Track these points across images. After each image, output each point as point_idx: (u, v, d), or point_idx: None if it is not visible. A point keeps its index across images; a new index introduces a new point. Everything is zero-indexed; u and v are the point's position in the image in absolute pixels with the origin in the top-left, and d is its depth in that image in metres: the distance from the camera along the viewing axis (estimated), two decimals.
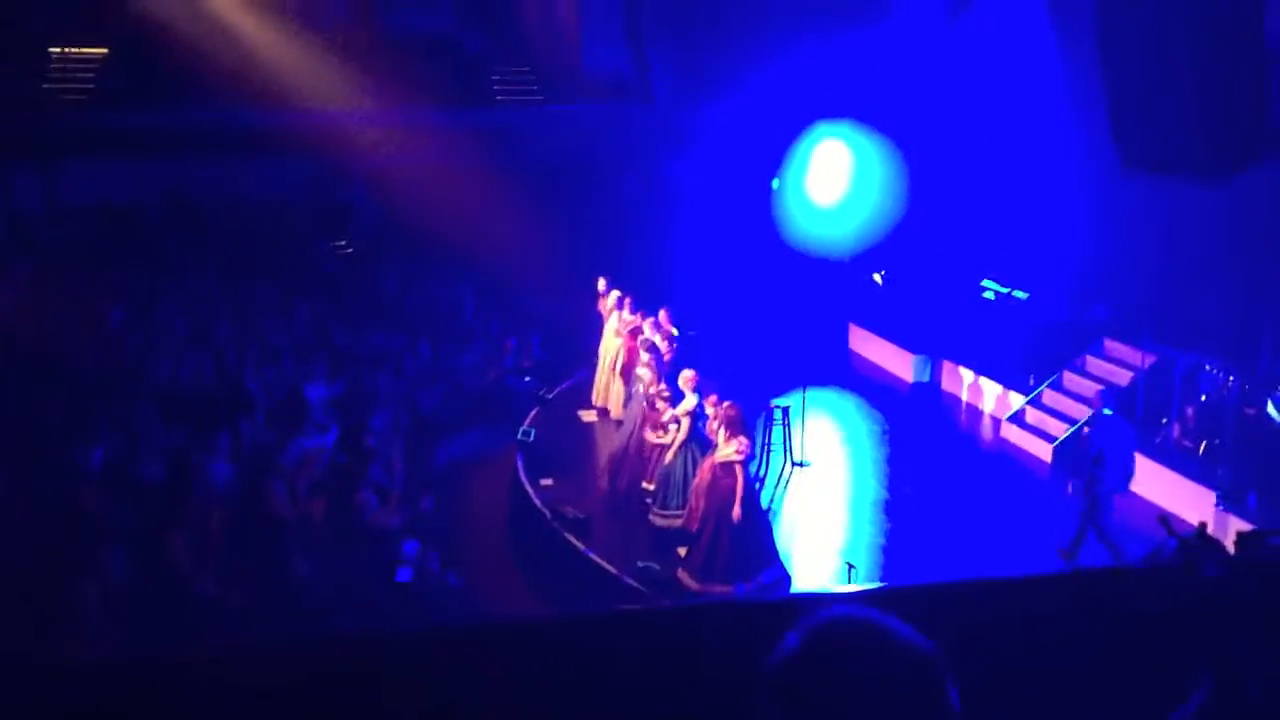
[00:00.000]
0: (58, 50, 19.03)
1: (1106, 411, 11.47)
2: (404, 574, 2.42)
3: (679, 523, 11.41)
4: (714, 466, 10.68)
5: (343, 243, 20.62)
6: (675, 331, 14.50)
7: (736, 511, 10.44)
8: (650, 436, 12.35)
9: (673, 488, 11.65)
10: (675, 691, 2.93)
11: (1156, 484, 13.00)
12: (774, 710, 1.80)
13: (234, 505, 10.98)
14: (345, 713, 2.69)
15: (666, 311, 14.68)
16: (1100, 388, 12.32)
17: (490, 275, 18.93)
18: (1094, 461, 11.24)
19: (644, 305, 14.98)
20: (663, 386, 12.39)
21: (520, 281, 18.25)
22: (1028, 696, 3.09)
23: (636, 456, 12.63)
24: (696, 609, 4.21)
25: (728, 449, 10.58)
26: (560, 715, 2.79)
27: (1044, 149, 15.84)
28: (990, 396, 16.36)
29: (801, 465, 13.89)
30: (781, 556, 11.00)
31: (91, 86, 18.85)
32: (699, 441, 11.54)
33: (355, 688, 2.73)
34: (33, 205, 18.77)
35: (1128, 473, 11.34)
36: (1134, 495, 13.22)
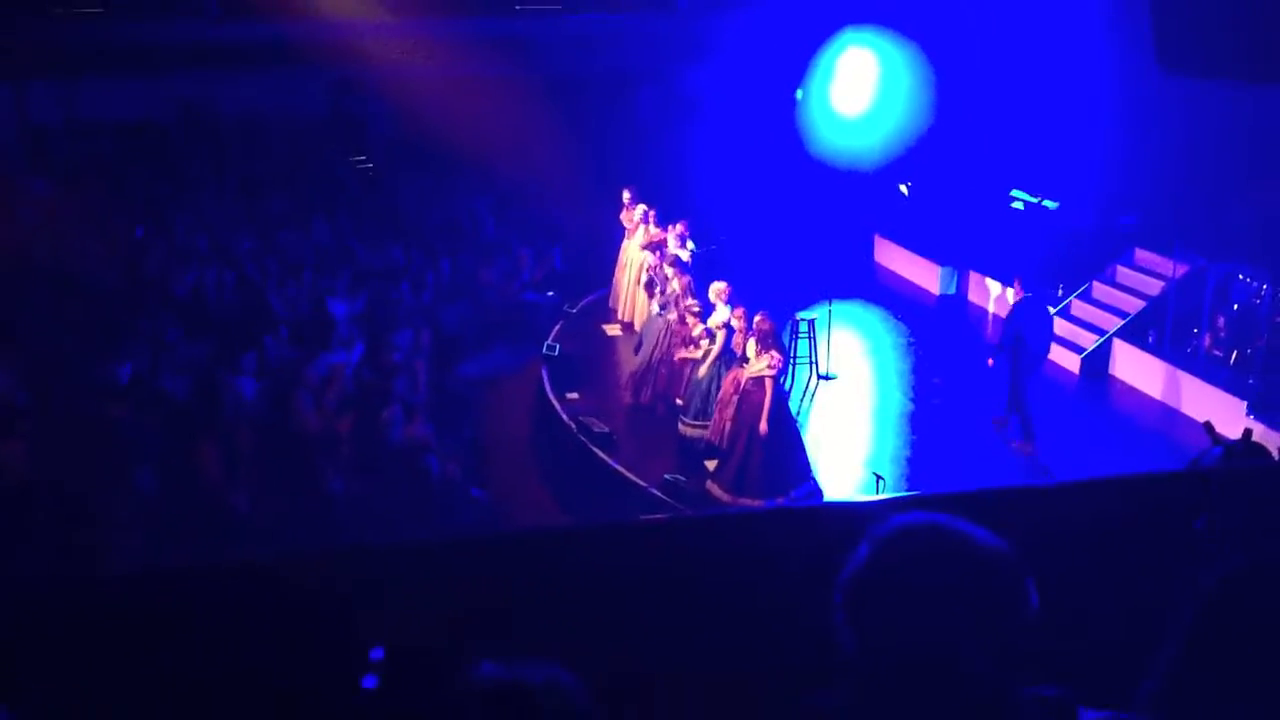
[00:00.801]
0: None
1: (1028, 294, 12.22)
2: (370, 681, 2.37)
3: (701, 434, 11.39)
4: (744, 380, 10.64)
5: (362, 158, 20.45)
6: (693, 245, 14.34)
7: (764, 425, 10.43)
8: (681, 351, 12.27)
9: (701, 400, 11.61)
10: (718, 595, 2.89)
11: (1187, 393, 12.91)
12: (855, 621, 1.76)
13: (262, 420, 11.03)
14: (373, 621, 2.67)
15: (684, 224, 14.50)
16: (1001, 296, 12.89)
17: (510, 189, 18.75)
18: (1015, 340, 12.03)
19: (667, 218, 14.83)
20: (693, 301, 12.30)
21: (541, 195, 18.09)
22: (1078, 599, 3.05)
23: (665, 370, 12.58)
24: (741, 517, 4.18)
25: (759, 363, 10.52)
26: (612, 619, 2.76)
27: (1073, 55, 15.49)
28: None
29: (827, 378, 13.84)
30: (813, 470, 11.00)
31: None
32: (726, 354, 11.48)
33: (383, 597, 2.71)
34: (51, 121, 18.64)
35: (1044, 351, 12.51)
36: (1166, 406, 13.17)
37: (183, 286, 14.61)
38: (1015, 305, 12.28)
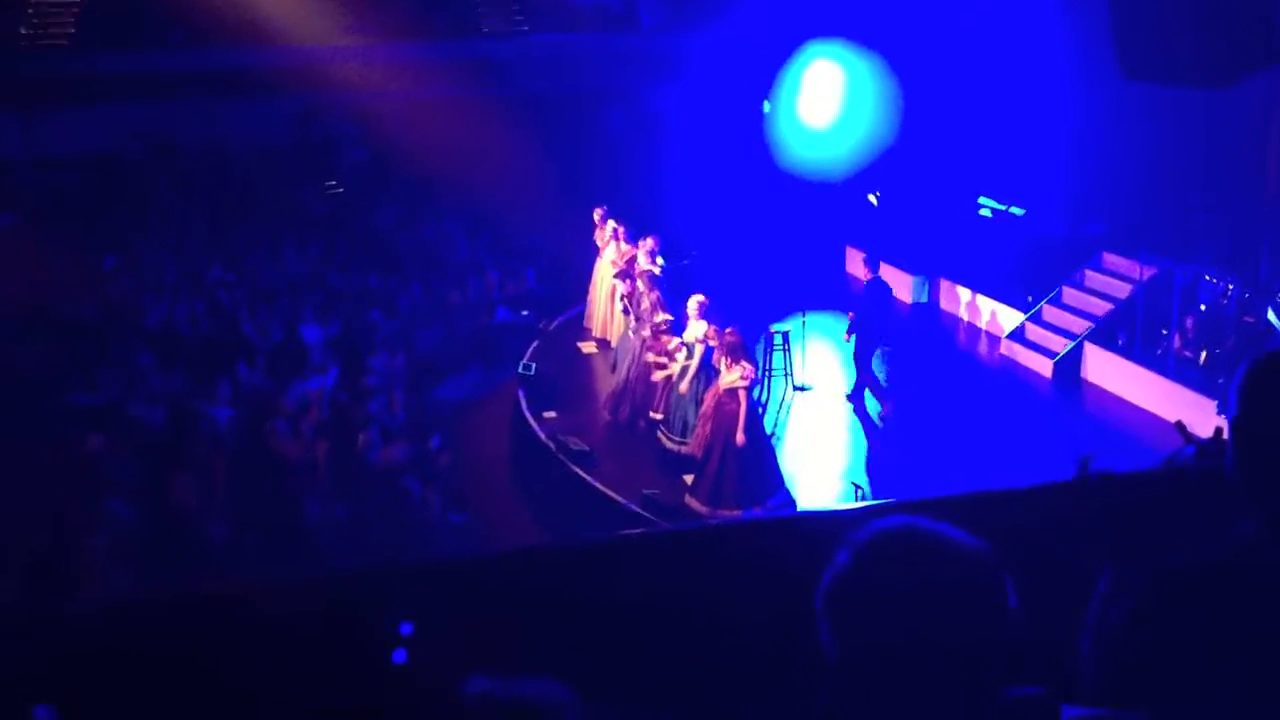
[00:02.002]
0: None
1: (874, 276, 13.43)
2: (399, 655, 2.36)
3: (685, 449, 11.41)
4: (719, 393, 10.70)
5: (332, 183, 20.41)
6: (662, 261, 14.35)
7: (740, 436, 10.49)
8: (654, 365, 12.27)
9: (681, 414, 11.62)
10: (698, 609, 2.91)
11: (1158, 394, 13.03)
12: (838, 627, 1.78)
13: (237, 448, 10.98)
14: (356, 647, 2.67)
15: (655, 239, 14.52)
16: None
17: (483, 210, 18.77)
18: (862, 319, 13.24)
19: (639, 234, 14.86)
20: (665, 315, 12.33)
21: (513, 215, 18.09)
22: (1056, 599, 3.08)
23: (640, 387, 12.59)
24: (719, 529, 4.20)
25: (731, 375, 10.59)
26: (600, 634, 2.77)
27: (1038, 63, 15.64)
28: (989, 314, 16.32)
29: (802, 389, 13.88)
30: (787, 481, 11.06)
31: (71, 31, 18.52)
32: (706, 368, 11.51)
33: (368, 620, 2.70)
34: (15, 154, 18.52)
35: (889, 330, 13.71)
36: (1138, 407, 13.28)
37: (154, 316, 14.54)
38: (864, 286, 13.44)
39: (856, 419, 13.31)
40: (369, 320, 15.06)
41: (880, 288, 13.61)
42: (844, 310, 16.85)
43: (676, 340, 11.95)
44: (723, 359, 10.72)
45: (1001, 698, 1.80)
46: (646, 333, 12.63)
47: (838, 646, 1.80)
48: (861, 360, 13.31)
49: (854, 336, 13.30)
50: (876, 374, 13.47)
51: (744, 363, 10.62)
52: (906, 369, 14.06)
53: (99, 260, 15.94)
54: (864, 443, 12.67)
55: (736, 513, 10.32)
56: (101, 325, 13.98)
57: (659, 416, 12.11)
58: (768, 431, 11.78)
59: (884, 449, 12.45)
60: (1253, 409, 2.11)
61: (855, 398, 13.47)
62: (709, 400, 10.97)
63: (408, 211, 19.63)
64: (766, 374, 13.55)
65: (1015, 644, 1.79)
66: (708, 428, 10.86)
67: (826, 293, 17.11)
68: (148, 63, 17.96)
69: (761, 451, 10.83)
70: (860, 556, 1.79)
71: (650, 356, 12.31)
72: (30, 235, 15.96)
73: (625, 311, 13.88)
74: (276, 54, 17.56)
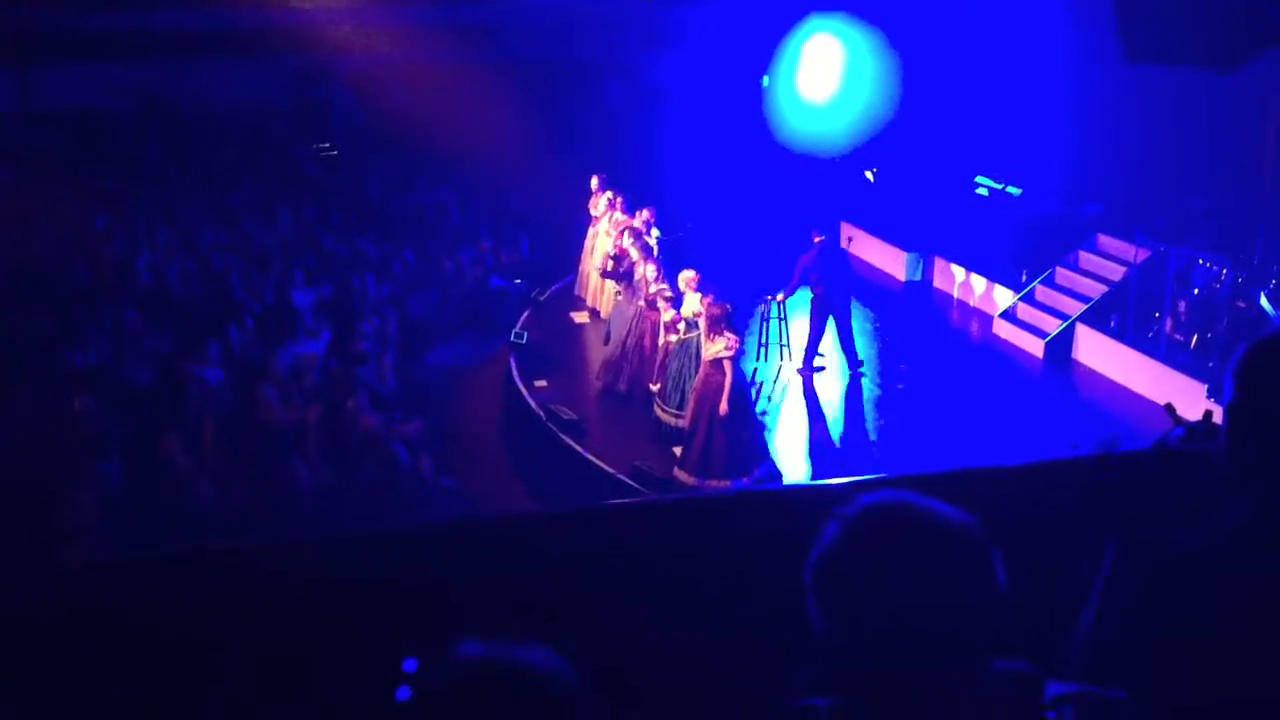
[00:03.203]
0: None
1: (822, 238, 13.39)
2: (403, 693, 2.31)
3: (678, 421, 11.43)
4: (705, 365, 10.76)
5: (326, 145, 20.30)
6: (658, 232, 14.32)
7: (723, 406, 10.52)
8: (663, 337, 12.23)
9: (676, 387, 11.62)
10: (686, 580, 2.91)
11: (1149, 377, 13.06)
12: (826, 600, 1.78)
13: (228, 412, 10.96)
14: (348, 612, 2.66)
15: (651, 211, 14.49)
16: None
17: (477, 177, 18.68)
18: (816, 282, 13.25)
19: (635, 205, 14.83)
20: (665, 287, 12.30)
21: (508, 183, 18.02)
22: (1043, 576, 3.08)
23: (637, 357, 12.57)
24: (707, 501, 4.20)
25: (715, 346, 10.63)
26: (579, 604, 2.76)
27: (1038, 43, 15.58)
28: (982, 293, 16.31)
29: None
30: (772, 452, 11.10)
31: None
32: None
33: (353, 585, 2.70)
34: (8, 109, 18.37)
35: (845, 294, 13.54)
36: (1128, 389, 13.30)
37: (145, 277, 14.48)
38: (818, 251, 13.30)
39: (850, 392, 13.33)
40: (361, 285, 15.02)
41: (830, 252, 13.60)
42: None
43: (673, 312, 11.93)
44: (710, 330, 10.74)
45: (988, 672, 1.81)
46: (642, 303, 12.61)
47: (826, 619, 1.80)
48: (818, 323, 13.44)
49: (815, 305, 13.38)
50: (810, 345, 13.55)
51: (728, 334, 10.64)
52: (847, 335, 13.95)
53: (91, 218, 15.84)
54: (855, 417, 12.68)
55: (725, 484, 10.36)
56: (93, 284, 13.92)
57: (656, 388, 12.09)
58: (761, 403, 11.83)
59: (874, 425, 12.47)
60: (1250, 393, 2.11)
61: (852, 370, 13.49)
62: (700, 372, 10.99)
63: (402, 176, 19.54)
64: (762, 347, 13.57)
65: (1003, 619, 1.79)
66: (694, 399, 10.90)
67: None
68: (143, 20, 17.79)
69: (746, 421, 10.87)
70: (849, 530, 1.80)
71: (663, 334, 12.20)
72: (22, 191, 15.86)
73: (605, 274, 13.87)
74: (272, 15, 17.41)
